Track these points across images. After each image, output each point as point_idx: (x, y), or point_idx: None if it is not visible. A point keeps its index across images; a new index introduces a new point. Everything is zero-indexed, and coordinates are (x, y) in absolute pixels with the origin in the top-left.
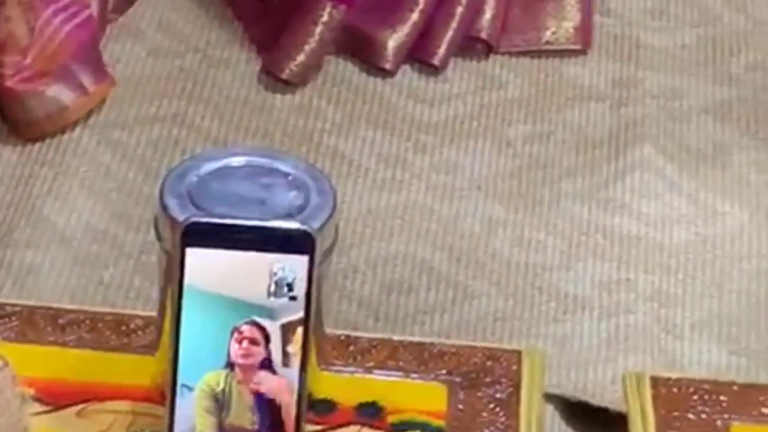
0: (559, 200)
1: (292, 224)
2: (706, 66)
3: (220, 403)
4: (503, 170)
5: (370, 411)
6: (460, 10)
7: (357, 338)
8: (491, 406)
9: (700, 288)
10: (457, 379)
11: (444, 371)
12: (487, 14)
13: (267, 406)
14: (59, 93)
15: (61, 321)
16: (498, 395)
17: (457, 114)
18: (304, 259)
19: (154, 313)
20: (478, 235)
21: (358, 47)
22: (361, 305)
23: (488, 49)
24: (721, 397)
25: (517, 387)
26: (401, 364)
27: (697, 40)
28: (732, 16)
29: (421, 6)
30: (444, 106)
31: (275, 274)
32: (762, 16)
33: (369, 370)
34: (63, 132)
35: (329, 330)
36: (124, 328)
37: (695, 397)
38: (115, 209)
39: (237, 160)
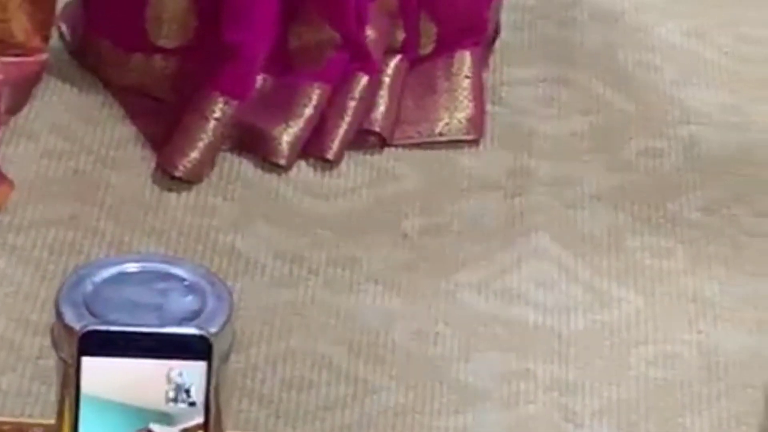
0: (456, 291)
1: (188, 330)
2: (598, 153)
3: None
4: (400, 263)
5: None
6: (353, 104)
7: None
8: None
9: (599, 375)
10: None
11: None
12: (381, 107)
13: None
14: None
15: None
16: None
17: (352, 208)
18: (201, 365)
19: (53, 421)
20: (376, 328)
21: (252, 143)
22: (261, 403)
23: (382, 141)
24: None
25: None
26: None
27: (589, 127)
28: (622, 103)
29: (314, 101)
30: (339, 200)
31: (173, 380)
32: (651, 102)
33: None
34: None
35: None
36: None
37: None
38: (12, 314)
39: (132, 266)
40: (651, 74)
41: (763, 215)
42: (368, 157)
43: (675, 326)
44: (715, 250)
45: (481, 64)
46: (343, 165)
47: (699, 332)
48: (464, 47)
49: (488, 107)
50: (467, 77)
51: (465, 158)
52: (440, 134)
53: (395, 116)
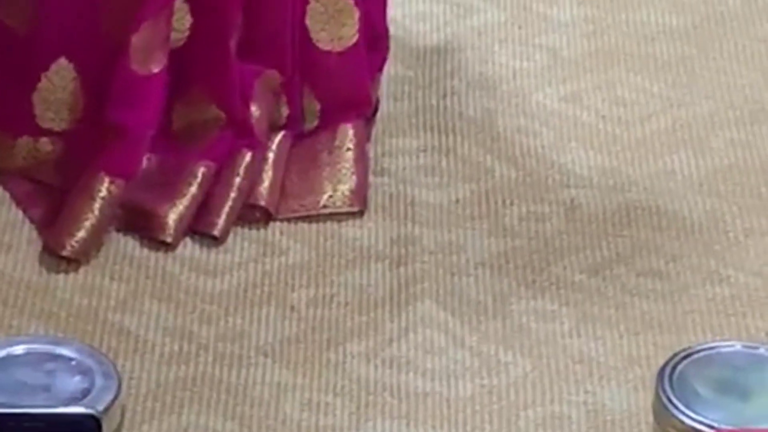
0: (345, 361)
1: (77, 409)
2: (481, 219)
3: None
4: (289, 335)
5: None
6: (238, 180)
7: None
8: None
9: None
10: None
11: None
12: (265, 182)
13: None
14: None
15: None
16: None
17: (240, 282)
18: None
19: None
20: (267, 401)
21: (139, 222)
22: None
23: (267, 216)
24: None
25: None
26: None
27: (471, 194)
28: (503, 169)
29: (199, 179)
30: (227, 275)
31: None
32: (531, 167)
33: None
34: None
35: None
36: None
37: None
38: None
39: (19, 348)
40: (530, 140)
41: (644, 275)
42: (254, 231)
43: (562, 387)
44: (600, 310)
45: (363, 136)
46: (229, 240)
47: (586, 392)
48: (346, 121)
49: (371, 178)
50: (349, 150)
51: (350, 229)
52: (324, 207)
53: (280, 191)
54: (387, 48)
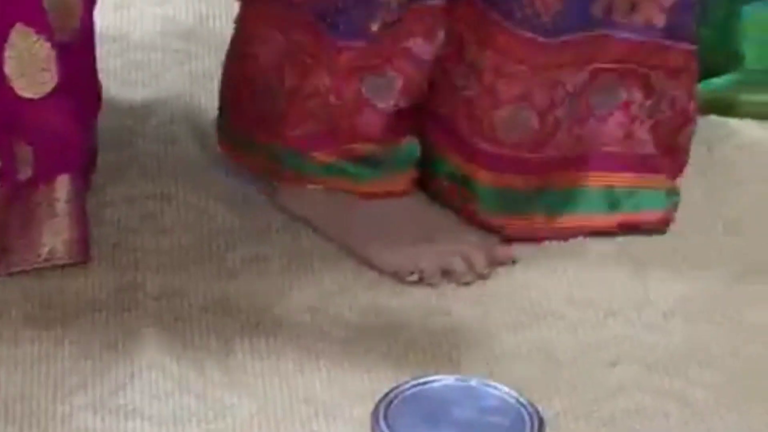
0: (72, 414)
1: None
2: (203, 263)
3: None
4: (14, 392)
5: None
6: None
7: None
8: None
9: None
10: None
11: None
12: None
13: None
14: None
15: None
16: None
17: None
18: None
19: None
20: None
21: None
22: None
23: None
24: None
25: None
26: None
27: (194, 239)
28: (225, 214)
29: None
30: None
31: None
32: (253, 211)
33: None
34: None
35: None
36: None
37: None
38: None
39: None
40: (252, 184)
41: (363, 310)
42: None
43: (288, 427)
44: (323, 346)
45: (80, 186)
46: None
47: (312, 431)
48: (63, 171)
49: (93, 228)
50: (68, 201)
51: (73, 281)
52: (46, 260)
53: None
54: (98, 96)
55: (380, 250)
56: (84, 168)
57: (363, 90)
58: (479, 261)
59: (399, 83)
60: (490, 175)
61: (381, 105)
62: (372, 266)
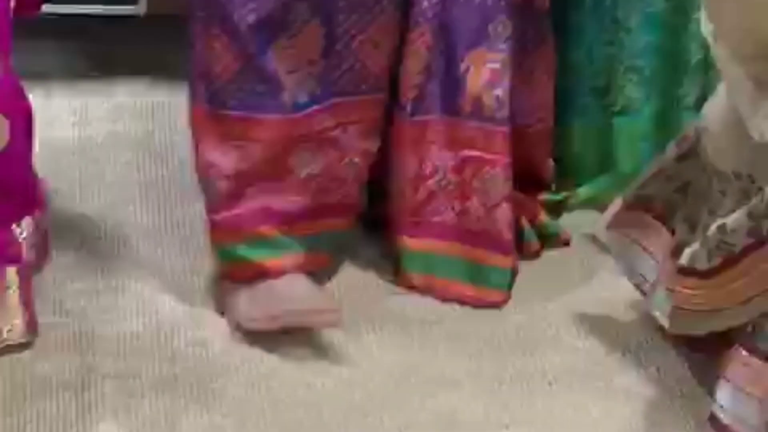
0: None
1: None
2: (154, 348)
3: None
4: None
5: None
6: None
7: None
8: None
9: None
10: None
11: None
12: None
13: None
14: None
15: None
16: None
17: None
18: None
19: None
20: None
21: None
22: None
23: None
24: None
25: None
26: None
27: (144, 327)
28: (172, 304)
29: None
30: None
31: None
32: (193, 300)
33: None
34: None
35: None
36: None
37: None
38: None
39: None
40: (194, 277)
41: (293, 387)
42: None
43: None
44: (257, 418)
45: (27, 276)
46: None
47: None
48: (8, 263)
49: (54, 318)
50: (16, 290)
51: (39, 364)
52: (3, 341)
53: None
54: (36, 200)
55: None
56: (29, 262)
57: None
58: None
59: None
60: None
61: None
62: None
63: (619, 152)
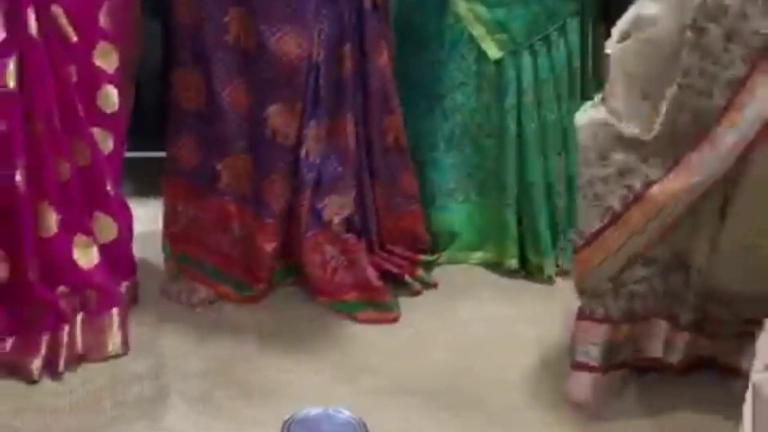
0: None
1: None
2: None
3: None
4: None
5: None
6: None
7: None
8: None
9: None
10: None
11: None
12: None
13: None
14: None
15: None
16: None
17: None
18: None
19: None
20: None
21: None
22: None
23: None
24: None
25: None
26: None
27: None
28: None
29: None
30: None
31: None
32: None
33: None
34: None
35: None
36: None
37: None
38: None
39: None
40: None
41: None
42: None
43: None
44: None
45: (124, 312)
46: None
47: None
48: (114, 306)
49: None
50: (116, 318)
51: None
52: (110, 355)
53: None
54: (133, 267)
55: None
56: (126, 303)
57: None
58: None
59: None
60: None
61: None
62: None
63: (462, 230)
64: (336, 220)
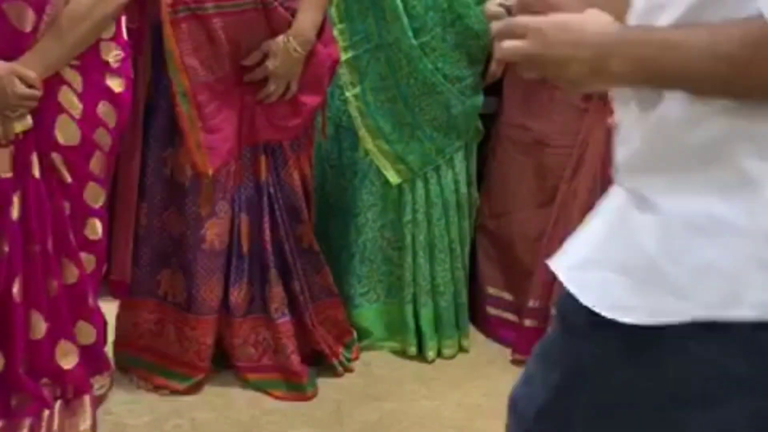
0: None
1: None
2: None
3: None
4: None
5: None
6: None
7: None
8: None
9: None
10: None
11: None
12: None
13: None
14: None
15: None
16: None
17: None
18: None
19: None
20: None
21: None
22: None
23: None
24: None
25: None
26: None
27: None
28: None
29: None
30: None
31: None
32: None
33: None
34: None
35: None
36: None
37: None
38: None
39: None
40: None
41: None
42: None
43: None
44: None
45: (94, 401)
46: None
47: None
48: (83, 395)
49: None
50: (88, 403)
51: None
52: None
53: None
54: (105, 361)
55: None
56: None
57: None
58: None
59: None
60: None
61: None
62: None
63: (372, 327)
64: (274, 306)
